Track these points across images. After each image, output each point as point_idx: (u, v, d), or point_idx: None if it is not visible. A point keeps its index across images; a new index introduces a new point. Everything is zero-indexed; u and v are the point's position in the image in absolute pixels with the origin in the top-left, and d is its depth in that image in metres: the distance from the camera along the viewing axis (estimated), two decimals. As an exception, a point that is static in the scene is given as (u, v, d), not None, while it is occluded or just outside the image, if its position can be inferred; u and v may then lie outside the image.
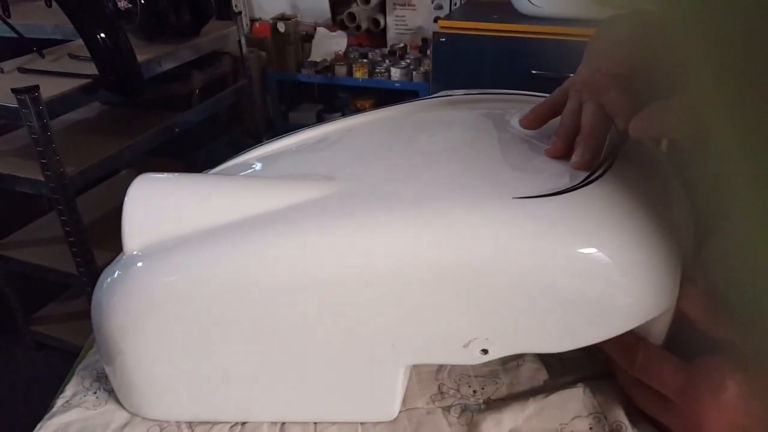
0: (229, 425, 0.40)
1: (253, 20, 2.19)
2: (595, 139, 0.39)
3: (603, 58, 0.41)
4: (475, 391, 0.41)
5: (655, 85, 0.38)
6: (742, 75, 0.30)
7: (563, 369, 0.42)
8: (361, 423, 0.39)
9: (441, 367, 0.43)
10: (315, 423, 0.40)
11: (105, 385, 0.43)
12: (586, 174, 0.37)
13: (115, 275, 0.37)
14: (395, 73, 1.97)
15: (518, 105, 0.46)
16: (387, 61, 2.02)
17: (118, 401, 0.41)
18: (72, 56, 1.37)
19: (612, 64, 0.40)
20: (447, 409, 0.40)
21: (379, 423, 0.39)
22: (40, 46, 1.39)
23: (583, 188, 0.36)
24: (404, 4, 2.07)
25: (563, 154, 0.39)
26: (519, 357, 0.43)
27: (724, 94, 0.31)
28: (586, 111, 0.40)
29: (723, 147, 0.32)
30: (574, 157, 0.38)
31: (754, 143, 0.30)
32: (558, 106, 0.43)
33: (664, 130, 0.38)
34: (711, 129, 0.33)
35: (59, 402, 0.42)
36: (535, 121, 0.43)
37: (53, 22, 1.52)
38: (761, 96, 0.30)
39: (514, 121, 0.45)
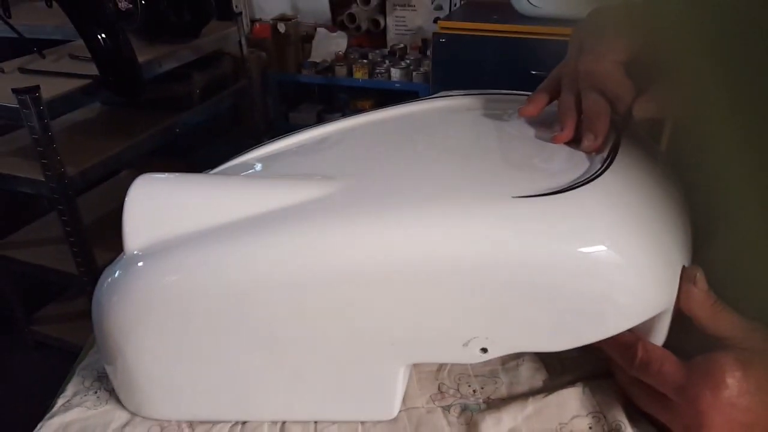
0: (230, 425, 0.40)
1: (253, 21, 2.19)
2: (602, 123, 0.40)
3: (599, 47, 0.42)
4: (474, 391, 0.41)
5: (653, 70, 0.40)
6: (737, 59, 0.31)
7: (563, 368, 0.42)
8: (362, 422, 0.39)
9: (441, 367, 0.43)
10: (315, 422, 0.40)
11: (106, 385, 0.43)
12: (584, 173, 0.37)
13: (116, 275, 0.37)
14: (395, 73, 1.97)
15: (518, 105, 0.46)
16: (387, 61, 2.02)
17: (118, 401, 0.41)
18: (72, 56, 1.37)
19: (609, 51, 0.41)
20: (447, 409, 0.40)
21: (379, 422, 0.39)
22: (41, 46, 1.39)
23: (582, 187, 0.35)
24: (404, 5, 2.07)
25: (569, 140, 0.41)
26: (518, 356, 0.43)
27: (721, 77, 0.32)
28: (588, 98, 0.41)
29: (722, 131, 0.33)
30: (586, 142, 0.40)
31: (752, 124, 0.30)
32: (553, 93, 0.45)
33: (666, 110, 0.39)
34: (709, 111, 0.34)
35: (60, 401, 0.42)
36: (534, 108, 0.45)
37: (54, 22, 1.52)
38: (757, 78, 0.30)
39: (514, 121, 0.45)
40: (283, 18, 2.17)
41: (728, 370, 0.33)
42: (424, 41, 2.03)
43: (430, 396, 0.41)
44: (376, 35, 2.15)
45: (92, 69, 1.22)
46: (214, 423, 0.40)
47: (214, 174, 0.46)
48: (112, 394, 0.42)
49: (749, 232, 0.38)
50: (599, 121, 0.40)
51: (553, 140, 0.42)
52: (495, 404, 0.40)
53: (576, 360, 0.42)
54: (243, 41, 1.74)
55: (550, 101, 0.45)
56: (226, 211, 0.37)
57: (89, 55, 1.21)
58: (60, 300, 1.62)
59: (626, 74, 0.40)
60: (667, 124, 0.46)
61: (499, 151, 0.42)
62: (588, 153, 0.40)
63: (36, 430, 0.40)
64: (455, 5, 1.98)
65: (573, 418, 0.38)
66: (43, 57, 1.37)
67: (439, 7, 2.00)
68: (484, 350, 0.36)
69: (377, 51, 2.12)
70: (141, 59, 1.28)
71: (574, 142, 0.41)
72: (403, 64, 1.98)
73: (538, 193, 0.35)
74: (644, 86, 0.40)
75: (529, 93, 0.47)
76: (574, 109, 0.42)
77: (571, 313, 0.34)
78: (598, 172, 0.37)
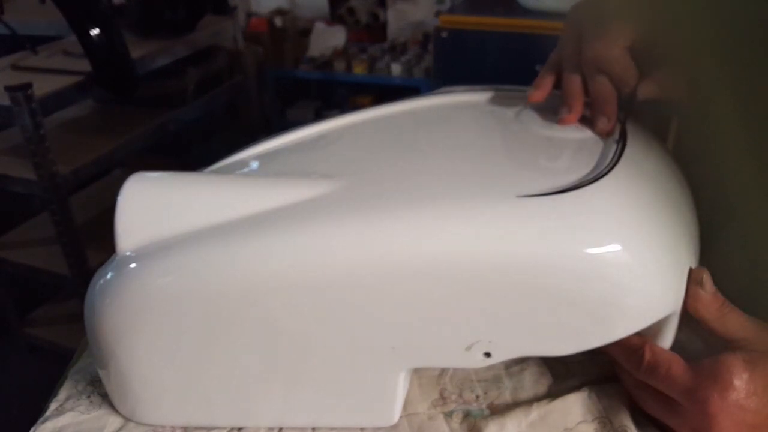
0: (226, 430, 0.39)
1: (249, 15, 2.18)
2: (612, 106, 0.42)
3: (605, 32, 0.42)
4: (477, 396, 0.41)
5: (657, 54, 0.41)
6: (741, 45, 0.30)
7: (567, 372, 0.41)
8: (361, 429, 0.39)
9: (443, 372, 0.43)
10: (313, 429, 0.39)
11: (99, 389, 0.42)
12: (591, 171, 0.37)
13: (108, 276, 0.36)
14: (395, 68, 1.96)
15: (521, 101, 0.46)
16: (387, 56, 2.01)
17: (112, 405, 0.41)
18: (66, 53, 1.36)
19: (615, 37, 0.41)
20: (449, 415, 0.39)
21: (379, 429, 0.39)
22: (34, 42, 1.38)
23: (589, 186, 0.35)
24: (405, -2, 2.06)
25: (575, 122, 0.43)
26: (523, 361, 0.43)
27: (725, 62, 0.32)
28: (595, 82, 0.42)
29: (727, 117, 0.33)
30: (600, 124, 0.41)
31: (758, 110, 0.30)
32: (556, 77, 0.46)
33: (669, 92, 0.41)
34: (713, 95, 0.34)
35: (52, 406, 0.41)
36: (541, 93, 0.45)
37: (47, 18, 1.51)
38: (763, 64, 0.30)
39: (518, 117, 0.45)
40: (279, 12, 2.16)
41: (736, 372, 0.33)
42: (426, 35, 2.01)
43: (432, 401, 0.40)
44: (376, 29, 2.14)
45: (85, 65, 1.21)
46: (210, 429, 0.39)
47: (209, 173, 0.45)
48: (106, 399, 0.41)
49: (758, 231, 0.38)
50: (609, 103, 0.41)
51: (560, 122, 0.42)
52: (499, 410, 0.39)
53: (581, 364, 0.41)
54: (238, 36, 1.73)
55: (556, 86, 0.46)
56: (221, 211, 0.36)
57: (83, 52, 1.20)
58: (52, 302, 1.61)
59: (631, 58, 0.41)
60: (673, 120, 0.46)
61: (502, 148, 0.42)
62: (601, 135, 0.41)
63: (28, 434, 0.39)
64: (457, -2, 1.97)
65: (578, 423, 0.37)
66: (36, 54, 1.36)
67: (441, 1, 1.99)
68: (488, 354, 0.35)
69: (377, 45, 2.10)
70: (134, 55, 1.27)
71: (581, 129, 0.42)
72: (403, 59, 1.97)
73: (543, 192, 0.34)
74: (648, 70, 0.41)
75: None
76: (581, 91, 0.43)
77: (578, 317, 0.34)
78: (606, 171, 0.36)
